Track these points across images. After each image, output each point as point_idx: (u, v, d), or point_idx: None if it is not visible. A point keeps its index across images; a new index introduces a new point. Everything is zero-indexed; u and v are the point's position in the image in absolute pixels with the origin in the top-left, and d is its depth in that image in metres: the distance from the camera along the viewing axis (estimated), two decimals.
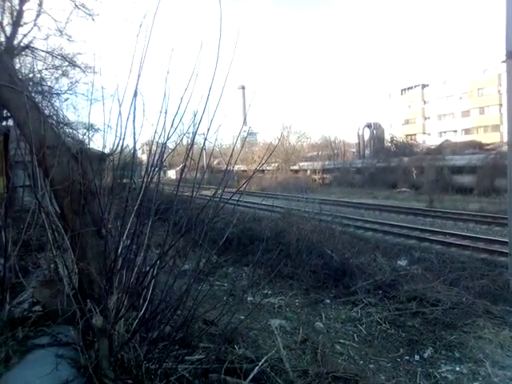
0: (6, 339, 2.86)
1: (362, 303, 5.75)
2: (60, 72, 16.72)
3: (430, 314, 5.12)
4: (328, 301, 6.05)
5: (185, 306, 3.22)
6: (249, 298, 5.84)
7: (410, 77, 64.22)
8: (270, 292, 6.28)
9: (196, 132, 3.46)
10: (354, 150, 50.63)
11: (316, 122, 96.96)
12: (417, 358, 4.29)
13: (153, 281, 3.07)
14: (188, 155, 3.59)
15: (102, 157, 4.30)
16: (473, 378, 3.86)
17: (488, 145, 35.99)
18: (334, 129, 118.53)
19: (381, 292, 6.05)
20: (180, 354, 3.33)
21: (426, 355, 4.30)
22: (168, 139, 3.59)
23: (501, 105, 48.25)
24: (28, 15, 15.85)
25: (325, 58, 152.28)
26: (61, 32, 16.50)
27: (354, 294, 6.07)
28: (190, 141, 3.69)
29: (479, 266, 7.76)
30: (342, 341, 4.66)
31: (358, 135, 46.94)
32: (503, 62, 6.94)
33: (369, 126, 46.20)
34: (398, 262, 8.33)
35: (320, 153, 45.49)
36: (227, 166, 3.82)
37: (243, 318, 3.92)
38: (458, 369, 4.01)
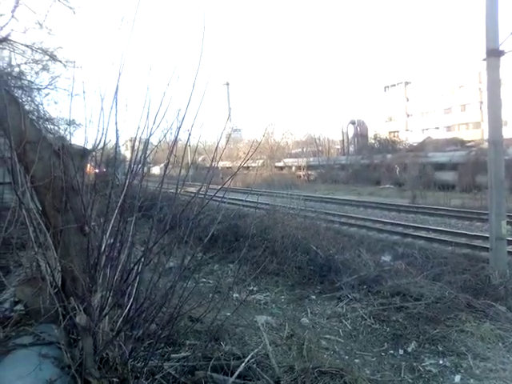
0: None
1: (346, 298, 5.81)
2: (40, 66, 16.36)
3: (414, 308, 5.20)
4: (313, 296, 6.09)
5: (170, 303, 3.19)
6: (234, 295, 5.84)
7: (393, 74, 65.01)
8: (255, 288, 6.29)
9: (180, 128, 3.42)
10: (338, 146, 50.97)
11: (301, 118, 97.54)
12: (401, 352, 4.35)
13: (137, 278, 3.03)
14: (172, 152, 3.56)
15: (83, 152, 4.22)
16: (455, 370, 3.94)
17: (469, 142, 36.65)
18: (319, 126, 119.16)
19: (365, 287, 6.12)
20: (166, 352, 3.31)
21: (409, 349, 4.37)
22: (151, 135, 3.55)
23: (481, 102, 49.14)
24: (4, 6, 15.45)
25: (309, 55, 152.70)
26: (40, 25, 16.10)
27: (339, 289, 6.13)
28: (173, 137, 3.64)
29: (461, 261, 7.91)
30: (327, 336, 4.69)
31: (342, 132, 47.29)
32: (484, 59, 7.07)
33: (353, 122, 46.56)
34: (382, 257, 8.43)
35: (305, 149, 45.70)
36: (211, 162, 3.79)
37: (229, 314, 3.91)
38: (441, 362, 4.08)
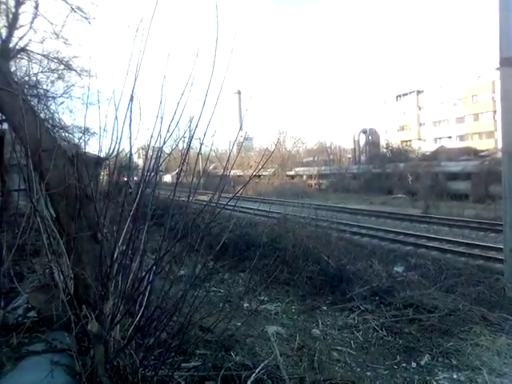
0: None
1: (358, 310, 5.73)
2: (56, 75, 16.69)
3: (427, 320, 5.11)
4: (325, 307, 6.02)
5: (181, 312, 3.18)
6: (245, 305, 5.80)
7: (405, 83, 64.85)
8: (266, 298, 6.24)
9: (192, 137, 3.45)
10: (349, 155, 50.82)
11: (312, 127, 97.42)
12: (414, 365, 4.26)
13: (148, 286, 3.04)
14: (184, 160, 3.58)
15: (97, 161, 4.27)
16: None
17: (483, 151, 36.25)
18: (330, 134, 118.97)
19: (377, 298, 6.04)
20: (176, 361, 3.29)
21: (423, 362, 4.29)
22: (164, 144, 3.58)
23: (495, 111, 48.62)
24: (24, 18, 15.84)
25: (321, 64, 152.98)
26: (57, 35, 16.49)
27: (350, 300, 6.05)
28: (185, 145, 3.67)
29: (475, 273, 7.78)
30: (338, 348, 4.63)
31: (354, 141, 47.16)
32: (497, 69, 7.00)
33: (364, 131, 46.43)
34: (395, 268, 8.33)
35: (316, 158, 45.65)
36: (223, 171, 3.80)
37: (240, 324, 3.89)
38: (455, 376, 3.99)
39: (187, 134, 3.50)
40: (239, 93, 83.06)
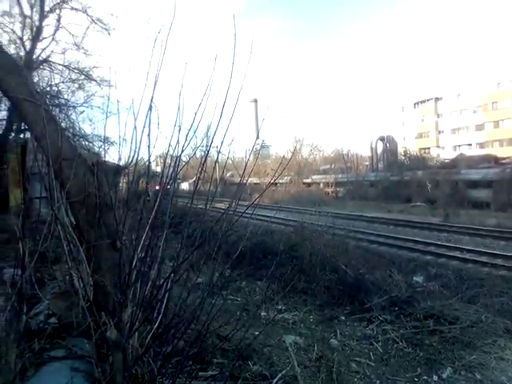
0: (22, 351, 2.85)
1: (377, 320, 5.63)
2: (76, 85, 17.13)
3: (448, 332, 4.99)
4: (343, 317, 5.94)
5: (198, 320, 3.18)
6: (262, 313, 5.76)
7: (423, 90, 63.82)
8: (283, 307, 6.19)
9: (210, 145, 3.48)
10: (367, 163, 50.38)
11: (329, 134, 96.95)
12: (435, 378, 4.16)
13: (166, 294, 3.05)
14: (202, 168, 3.60)
15: (117, 169, 4.33)
16: None
17: (504, 159, 35.46)
18: (347, 141, 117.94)
19: (397, 309, 5.93)
20: (193, 370, 3.29)
21: (444, 375, 4.18)
22: (182, 152, 3.61)
23: None
24: (46, 30, 16.36)
25: (339, 71, 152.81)
26: (77, 46, 16.98)
27: (369, 310, 5.96)
28: (203, 154, 3.70)
29: (498, 283, 7.59)
30: (357, 359, 4.55)
31: (371, 148, 46.75)
32: None
33: (382, 139, 46.00)
34: (414, 277, 8.17)
35: (333, 166, 45.38)
36: (240, 179, 3.81)
37: (257, 333, 3.85)
38: None
39: (204, 142, 3.53)
40: (256, 101, 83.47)
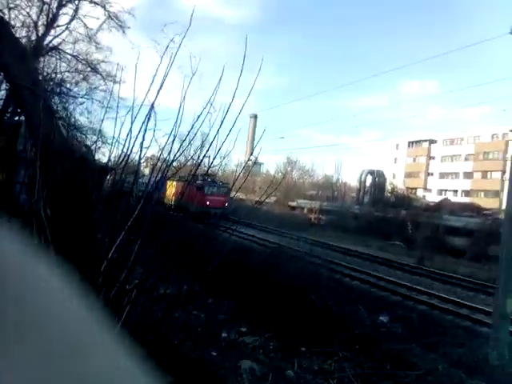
0: None
1: (337, 356, 5.66)
2: (81, 76, 17.15)
3: (404, 377, 5.06)
4: (303, 348, 5.94)
5: (159, 332, 3.18)
6: (223, 334, 5.71)
7: (419, 130, 65.05)
8: (245, 330, 6.16)
9: (203, 157, 3.56)
10: (353, 194, 50.86)
11: (321, 160, 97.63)
12: None
13: (129, 303, 3.05)
14: (190, 181, 3.66)
15: (104, 168, 4.35)
16: None
17: (486, 209, 36.12)
18: (337, 169, 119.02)
19: (357, 347, 5.97)
20: None
21: None
22: (173, 161, 3.68)
23: (504, 171, 48.67)
24: (62, 19, 16.43)
25: (341, 100, 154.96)
26: (90, 38, 17.06)
27: (330, 344, 5.98)
28: (194, 163, 3.78)
29: (460, 334, 7.69)
30: None
31: (360, 181, 47.22)
32: (511, 130, 7.10)
33: (371, 172, 46.50)
34: (380, 317, 8.25)
35: (320, 193, 45.70)
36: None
37: (215, 354, 3.85)
38: None
39: (196, 155, 3.62)
40: (255, 117, 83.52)
